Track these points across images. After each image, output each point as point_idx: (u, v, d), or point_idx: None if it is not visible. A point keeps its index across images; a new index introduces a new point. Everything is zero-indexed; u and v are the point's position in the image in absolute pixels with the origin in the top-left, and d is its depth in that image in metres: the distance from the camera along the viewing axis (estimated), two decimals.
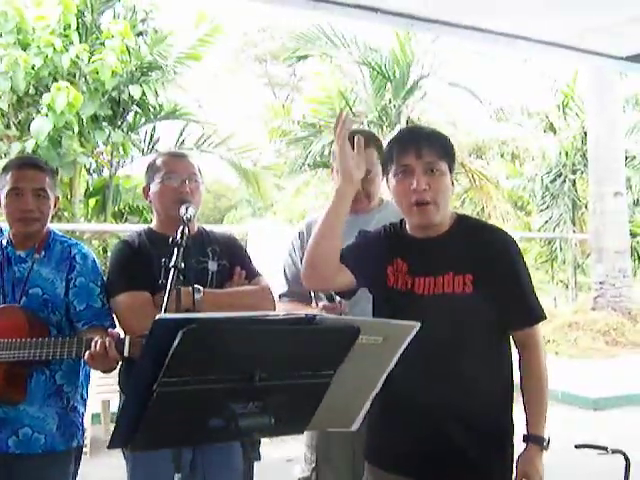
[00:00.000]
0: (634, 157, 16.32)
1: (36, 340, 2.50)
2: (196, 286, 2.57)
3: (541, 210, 17.18)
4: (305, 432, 2.67)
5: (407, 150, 2.34)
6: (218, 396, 1.59)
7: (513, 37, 5.21)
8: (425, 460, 2.31)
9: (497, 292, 2.30)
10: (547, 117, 17.56)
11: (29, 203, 2.70)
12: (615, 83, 13.71)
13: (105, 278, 2.81)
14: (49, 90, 9.95)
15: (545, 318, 2.40)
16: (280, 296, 3.14)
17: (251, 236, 8.77)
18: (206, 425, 1.61)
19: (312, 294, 3.04)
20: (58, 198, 2.89)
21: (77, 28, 10.72)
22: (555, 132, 17.26)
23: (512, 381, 2.40)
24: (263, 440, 1.65)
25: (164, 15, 12.12)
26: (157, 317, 1.51)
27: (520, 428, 2.37)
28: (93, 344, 2.42)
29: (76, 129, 10.29)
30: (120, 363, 2.54)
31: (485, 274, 2.30)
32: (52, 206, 2.80)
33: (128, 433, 1.61)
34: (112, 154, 11.93)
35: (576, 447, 3.03)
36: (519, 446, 2.37)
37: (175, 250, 2.30)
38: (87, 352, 2.43)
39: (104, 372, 2.59)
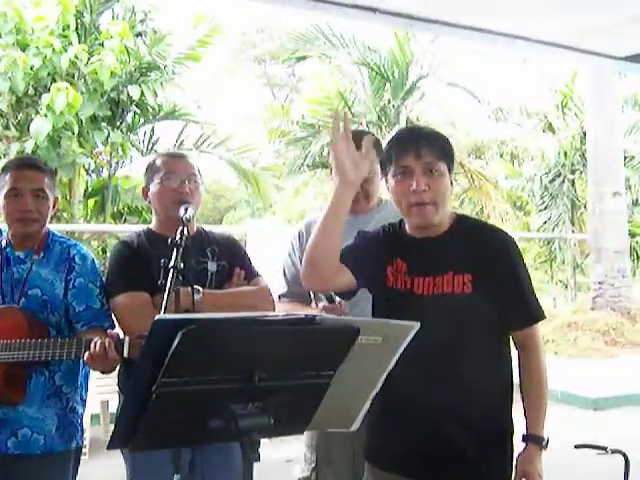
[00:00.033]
0: (633, 157, 16.32)
1: (35, 341, 2.50)
2: (195, 287, 2.56)
3: (540, 210, 17.19)
4: (305, 432, 2.66)
5: (406, 151, 2.34)
6: (218, 396, 1.59)
7: (513, 37, 5.22)
8: (424, 460, 2.32)
9: (497, 292, 2.30)
10: (546, 117, 17.56)
11: (28, 204, 2.70)
12: (614, 83, 13.70)
13: (104, 279, 2.81)
14: (48, 91, 9.96)
15: (544, 318, 2.40)
16: (280, 297, 3.14)
17: (250, 236, 8.78)
18: (206, 425, 1.60)
19: (312, 295, 3.04)
20: (57, 199, 2.89)
21: (76, 29, 10.72)
22: (554, 132, 17.27)
23: (512, 381, 2.40)
24: (263, 440, 1.65)
25: (163, 16, 12.12)
26: (156, 318, 1.51)
27: (520, 428, 2.37)
28: (92, 345, 2.42)
29: (75, 130, 10.29)
30: (119, 364, 2.54)
31: (485, 274, 2.30)
32: (51, 207, 2.79)
33: (128, 434, 1.61)
34: (111, 155, 11.93)
35: (576, 447, 3.02)
36: (519, 446, 2.37)
37: (174, 251, 2.29)
38: (86, 353, 2.43)
39: (103, 373, 2.59)
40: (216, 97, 23.19)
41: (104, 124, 11.17)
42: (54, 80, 10.27)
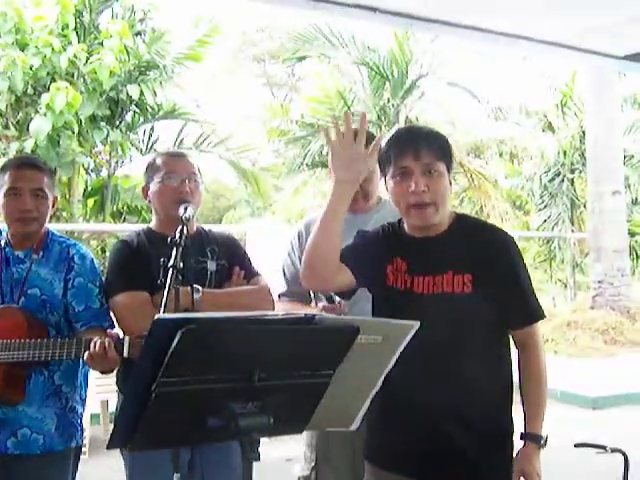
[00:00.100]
0: (632, 156, 16.31)
1: (35, 341, 2.49)
2: (195, 286, 2.56)
3: (539, 209, 17.17)
4: (305, 431, 2.66)
5: (405, 152, 2.33)
6: (217, 396, 1.59)
7: (513, 37, 5.23)
8: (424, 460, 2.32)
9: (496, 292, 2.30)
10: (545, 116, 17.55)
11: (27, 203, 2.70)
12: (614, 82, 13.70)
13: (104, 278, 2.81)
14: (47, 90, 9.96)
15: (544, 317, 2.41)
16: (279, 296, 3.14)
17: (250, 236, 8.77)
18: (205, 425, 1.60)
19: (312, 294, 3.04)
20: (56, 198, 2.89)
21: (75, 28, 10.72)
22: (554, 131, 17.26)
23: (512, 381, 2.40)
24: (262, 440, 1.65)
25: (162, 15, 12.12)
26: (156, 317, 1.51)
27: (520, 428, 2.37)
28: (92, 345, 2.42)
29: (75, 129, 10.29)
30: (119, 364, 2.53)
31: (484, 274, 2.30)
32: (50, 206, 2.79)
33: (127, 433, 1.61)
34: (110, 154, 11.93)
35: (575, 446, 3.03)
36: (518, 445, 2.37)
37: (174, 250, 2.29)
38: (86, 353, 2.43)
39: (103, 373, 2.58)
40: (215, 96, 23.20)
41: (103, 123, 11.17)
42: (53, 79, 10.27)
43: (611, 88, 13.64)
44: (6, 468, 2.65)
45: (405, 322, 1.84)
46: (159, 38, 11.52)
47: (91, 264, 2.79)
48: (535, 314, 2.39)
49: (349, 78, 16.27)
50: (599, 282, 13.55)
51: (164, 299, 2.17)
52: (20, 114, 10.89)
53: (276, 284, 3.15)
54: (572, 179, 16.61)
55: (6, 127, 10.75)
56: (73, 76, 10.58)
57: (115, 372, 2.67)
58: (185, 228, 2.40)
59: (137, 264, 2.71)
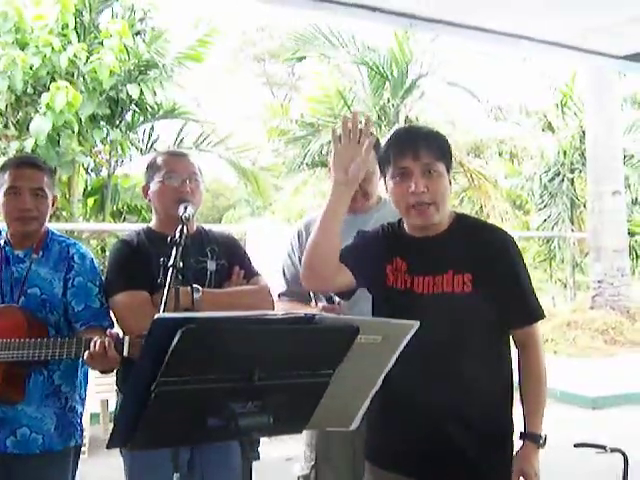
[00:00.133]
0: (632, 156, 16.30)
1: (35, 340, 2.49)
2: (195, 286, 2.56)
3: (539, 209, 17.17)
4: (304, 431, 2.67)
5: (404, 152, 2.33)
6: (217, 395, 1.59)
7: (514, 36, 5.23)
8: (424, 459, 2.32)
9: (496, 291, 2.30)
10: (545, 116, 17.55)
11: (27, 202, 2.70)
12: (614, 82, 13.70)
13: (103, 278, 2.81)
14: (47, 90, 9.96)
15: (544, 317, 2.41)
16: (279, 295, 3.14)
17: (250, 235, 8.77)
18: (205, 424, 1.60)
19: (312, 294, 3.04)
20: (56, 197, 2.88)
21: (75, 27, 10.73)
22: (553, 131, 17.26)
23: (512, 381, 2.40)
24: (262, 439, 1.65)
25: (162, 15, 12.12)
26: (156, 316, 1.51)
27: (520, 427, 2.37)
28: (92, 344, 2.42)
29: (75, 128, 10.29)
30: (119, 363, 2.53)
31: (484, 273, 2.30)
32: (50, 205, 2.79)
33: (127, 432, 1.61)
34: (110, 153, 11.93)
35: (575, 446, 3.03)
36: (519, 445, 2.37)
37: (174, 249, 2.29)
38: (86, 352, 2.42)
39: (103, 372, 2.58)
40: (215, 96, 23.21)
41: (103, 123, 11.18)
42: (53, 79, 10.27)
43: (611, 88, 13.64)
44: (5, 467, 2.65)
45: (405, 322, 1.84)
46: (159, 37, 11.52)
47: (91, 263, 2.79)
48: (535, 314, 2.39)
49: (349, 78, 16.27)
50: (599, 282, 13.55)
51: (164, 299, 2.17)
52: (20, 113, 10.89)
53: (276, 284, 3.15)
54: (572, 179, 16.61)
55: (6, 126, 10.75)
56: (73, 75, 10.58)
57: (115, 371, 2.67)
58: (185, 228, 2.40)
59: (137, 263, 2.71)
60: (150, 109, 11.80)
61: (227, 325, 1.58)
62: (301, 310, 2.70)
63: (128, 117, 11.87)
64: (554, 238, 16.56)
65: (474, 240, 2.37)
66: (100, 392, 6.07)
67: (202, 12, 12.09)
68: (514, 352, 2.41)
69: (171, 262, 2.25)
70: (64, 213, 11.40)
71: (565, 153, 16.55)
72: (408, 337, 1.83)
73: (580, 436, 3.50)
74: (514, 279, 2.36)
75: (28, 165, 2.78)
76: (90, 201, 12.36)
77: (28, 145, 10.01)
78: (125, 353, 2.41)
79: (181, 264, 2.26)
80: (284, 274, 3.18)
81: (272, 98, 26.65)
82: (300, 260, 3.05)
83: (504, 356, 2.40)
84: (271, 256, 3.66)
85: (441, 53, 14.55)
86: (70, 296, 2.71)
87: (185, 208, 2.57)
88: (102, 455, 5.69)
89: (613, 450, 2.87)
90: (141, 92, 11.00)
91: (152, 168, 2.85)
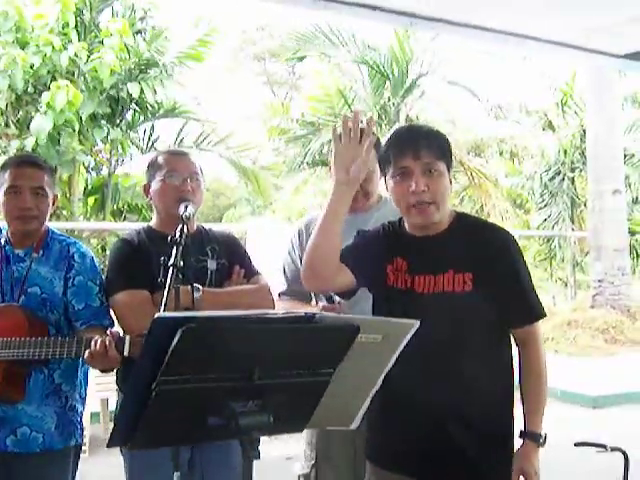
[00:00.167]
0: (633, 155, 16.31)
1: (36, 339, 2.49)
2: (195, 285, 2.55)
3: (540, 208, 17.18)
4: (305, 430, 2.67)
5: (405, 151, 2.33)
6: (218, 394, 1.59)
7: (515, 36, 5.23)
8: (425, 459, 2.32)
9: (497, 290, 2.30)
10: (546, 115, 17.56)
11: (27, 201, 2.70)
12: (614, 81, 13.70)
13: (104, 277, 2.81)
14: (48, 88, 9.95)
15: (545, 316, 2.40)
16: (280, 295, 3.14)
17: (250, 234, 8.77)
18: (206, 423, 1.60)
19: (312, 293, 3.04)
20: (57, 196, 2.88)
21: (76, 26, 10.72)
22: (554, 130, 17.26)
23: (513, 381, 2.40)
24: (262, 438, 1.65)
25: (163, 14, 12.13)
26: (156, 316, 1.51)
27: (521, 427, 2.37)
28: (93, 343, 2.41)
29: (76, 127, 10.29)
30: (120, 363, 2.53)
31: (485, 273, 2.30)
32: (50, 204, 2.79)
33: (127, 431, 1.61)
34: (111, 152, 11.93)
35: (575, 445, 3.03)
36: (519, 444, 2.37)
37: (174, 248, 2.29)
38: (87, 351, 2.42)
39: (103, 371, 2.58)
40: (216, 95, 23.19)
41: (104, 122, 11.17)
42: (54, 78, 10.26)
43: (611, 87, 13.64)
44: (6, 466, 2.65)
45: (405, 321, 1.84)
46: (159, 36, 11.52)
47: (91, 262, 2.79)
48: (536, 312, 2.39)
49: (349, 77, 16.26)
50: (599, 281, 13.55)
51: (164, 298, 2.17)
52: (21, 112, 10.89)
53: (276, 283, 3.15)
54: (572, 178, 16.61)
55: (6, 125, 10.75)
56: (74, 74, 10.58)
57: (115, 371, 2.67)
58: (185, 227, 2.40)
59: (137, 262, 2.71)
60: (150, 108, 11.80)
61: (227, 324, 1.58)
62: (301, 309, 2.70)
63: (128, 116, 11.87)
64: (554, 237, 16.57)
65: (475, 239, 2.37)
66: (100, 391, 6.08)
67: (202, 11, 12.09)
68: (515, 351, 2.41)
69: (171, 261, 2.24)
70: (64, 212, 11.40)
71: (565, 152, 16.55)
72: (408, 336, 1.83)
73: (581, 435, 3.50)
74: (515, 278, 2.36)
75: (28, 164, 2.78)
76: (90, 200, 12.36)
77: (29, 144, 10.01)
78: (126, 352, 2.41)
79: (181, 263, 2.25)
80: (284, 273, 3.18)
81: (272, 97, 26.65)
82: (301, 259, 3.05)
83: (505, 355, 2.40)
84: (271, 255, 3.66)
85: (441, 52, 14.55)
86: (70, 295, 2.71)
87: (186, 207, 2.57)
88: (102, 454, 5.69)
89: (614, 449, 2.86)
90: (141, 91, 10.99)
91: (153, 167, 2.84)
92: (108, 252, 8.62)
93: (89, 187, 12.38)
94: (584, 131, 15.19)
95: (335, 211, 2.32)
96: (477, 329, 2.31)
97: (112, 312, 2.75)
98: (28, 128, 10.31)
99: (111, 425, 5.70)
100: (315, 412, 1.76)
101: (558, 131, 17.07)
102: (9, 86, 10.06)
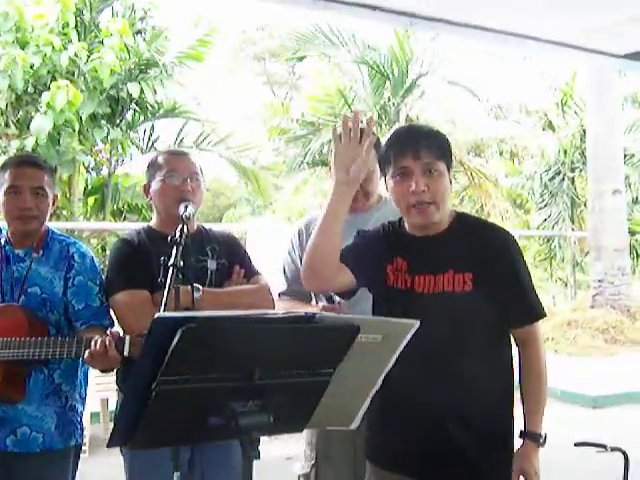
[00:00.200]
0: (633, 155, 16.31)
1: (36, 339, 2.49)
2: (195, 285, 2.55)
3: (540, 208, 17.18)
4: (305, 430, 2.66)
5: (405, 151, 2.33)
6: (218, 394, 1.59)
7: (515, 36, 5.23)
8: (425, 459, 2.32)
9: (497, 290, 2.30)
10: (546, 115, 17.56)
11: (27, 201, 2.70)
12: (614, 81, 13.70)
13: (104, 277, 2.81)
14: (48, 88, 9.95)
15: (545, 316, 2.40)
16: (280, 294, 3.14)
17: (250, 234, 8.78)
18: (206, 423, 1.60)
19: (312, 293, 3.04)
20: (56, 196, 2.88)
21: (76, 26, 10.72)
22: (554, 130, 17.26)
23: (513, 381, 2.40)
24: (262, 438, 1.65)
25: (163, 14, 12.12)
26: (156, 316, 1.51)
27: (521, 427, 2.37)
28: (93, 343, 2.41)
29: (76, 127, 10.29)
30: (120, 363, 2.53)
31: (485, 273, 2.30)
32: (51, 204, 2.79)
33: (127, 431, 1.61)
34: (111, 152, 11.93)
35: (575, 445, 3.03)
36: (519, 444, 2.37)
37: (174, 248, 2.29)
38: (87, 351, 2.42)
39: (103, 371, 2.58)
40: (216, 95, 23.18)
41: (104, 122, 11.17)
42: (54, 78, 10.26)
43: (611, 87, 13.64)
44: (6, 466, 2.65)
45: (405, 321, 1.84)
46: (159, 35, 11.52)
47: (91, 262, 2.79)
48: (536, 312, 2.39)
49: (349, 77, 16.26)
50: (599, 281, 13.55)
51: (164, 298, 2.17)
52: (21, 112, 10.89)
53: (276, 283, 3.15)
54: (572, 178, 16.62)
55: (6, 125, 10.75)
56: (74, 74, 10.58)
57: (115, 371, 2.67)
58: (185, 227, 2.40)
59: (137, 262, 2.71)
60: (150, 108, 11.80)
61: (227, 324, 1.58)
62: (301, 309, 2.70)
63: (128, 116, 11.87)
64: (554, 237, 16.58)
65: (475, 239, 2.37)
66: (100, 391, 6.08)
67: (202, 11, 12.09)
68: (515, 351, 2.41)
69: (171, 261, 2.25)
70: (64, 212, 11.40)
71: (565, 152, 16.55)
72: (408, 336, 1.83)
73: (581, 435, 3.51)
74: (515, 278, 2.36)
75: (28, 164, 2.78)
76: (90, 200, 12.37)
77: (29, 144, 10.01)
78: (126, 352, 2.41)
79: (181, 263, 2.25)
80: (284, 273, 3.18)
81: (272, 97, 26.64)
82: (301, 259, 3.05)
83: (505, 356, 2.40)
84: (271, 255, 3.66)
85: (441, 52, 14.55)
86: (70, 295, 2.71)
87: (186, 207, 2.57)
88: (102, 454, 5.69)
89: (614, 449, 2.86)
90: (141, 91, 10.99)
91: (153, 167, 2.84)
92: (108, 252, 8.61)
93: (89, 187, 12.38)
94: (584, 131, 15.19)
95: (335, 211, 2.32)
96: (477, 329, 2.31)
97: (112, 312, 2.75)
98: (28, 128, 10.31)
99: (111, 425, 5.70)
100: (315, 412, 1.76)
101: (558, 131, 17.07)
102: (9, 86, 10.06)
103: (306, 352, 1.67)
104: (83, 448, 3.10)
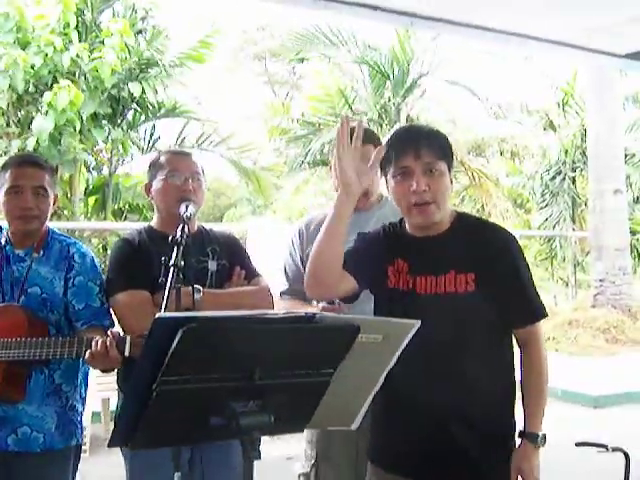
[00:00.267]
0: (634, 155, 16.31)
1: (36, 340, 2.49)
2: (196, 286, 2.55)
3: (541, 208, 17.17)
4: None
5: (405, 151, 2.33)
6: (218, 395, 1.59)
7: (515, 36, 5.23)
8: (426, 460, 2.31)
9: (498, 290, 2.30)
10: (547, 115, 17.54)
11: (29, 201, 2.70)
12: (615, 81, 13.70)
13: (104, 277, 2.81)
14: (49, 88, 9.96)
15: (547, 316, 2.40)
16: (281, 294, 3.14)
17: (251, 234, 8.78)
18: (206, 423, 1.60)
19: None
20: (57, 196, 2.88)
21: (77, 27, 10.71)
22: (555, 130, 17.25)
23: (514, 381, 2.40)
24: (263, 438, 1.65)
25: (164, 14, 12.13)
26: (157, 316, 1.51)
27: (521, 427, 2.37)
28: (94, 343, 2.41)
29: (77, 127, 10.29)
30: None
31: (487, 273, 2.30)
32: (51, 204, 2.79)
33: (128, 431, 1.61)
34: (112, 152, 11.94)
35: (576, 445, 3.03)
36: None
37: (175, 248, 2.29)
38: (88, 352, 2.42)
39: (104, 372, 2.58)
40: (216, 95, 23.17)
41: (105, 121, 11.18)
42: (55, 78, 10.27)
43: (612, 87, 13.64)
44: (6, 466, 2.65)
45: (405, 321, 1.84)
46: (159, 35, 11.52)
47: (91, 263, 2.79)
48: (537, 312, 2.38)
49: (350, 77, 16.27)
50: (600, 281, 13.55)
51: (165, 298, 2.16)
52: (22, 112, 10.89)
53: (277, 282, 3.15)
54: (573, 177, 16.61)
55: (8, 125, 10.76)
56: (75, 74, 10.58)
57: (116, 371, 2.68)
58: (186, 227, 2.40)
59: (138, 262, 2.71)
60: (151, 108, 11.80)
61: (228, 324, 1.58)
62: (302, 309, 2.70)
63: (129, 116, 11.87)
64: (555, 237, 16.57)
65: (476, 239, 2.37)
66: (101, 391, 6.07)
67: (203, 11, 12.11)
68: (516, 351, 2.41)
69: (172, 261, 2.25)
70: (65, 212, 11.40)
71: (566, 152, 16.55)
72: (409, 336, 1.83)
73: (581, 435, 3.50)
74: (516, 278, 2.35)
75: (29, 164, 2.78)
76: (91, 200, 12.37)
77: (30, 143, 10.02)
78: (126, 353, 2.41)
79: (182, 263, 2.25)
80: (285, 273, 3.18)
81: (273, 97, 26.64)
82: (301, 259, 3.06)
83: (506, 356, 2.40)
84: (272, 255, 3.67)
85: (442, 52, 14.55)
86: (71, 295, 2.71)
87: (187, 207, 2.57)
88: (103, 454, 5.69)
89: (615, 449, 2.86)
90: (143, 91, 11.00)
91: (155, 166, 2.85)
92: (109, 252, 8.63)
93: (90, 187, 12.39)
94: (585, 131, 15.18)
95: (339, 217, 2.31)
96: (479, 329, 2.31)
97: (112, 312, 2.76)
98: (29, 128, 10.32)
99: (112, 425, 5.70)
100: (316, 412, 1.76)
101: (559, 131, 17.07)
102: (10, 86, 10.06)
103: (306, 352, 1.67)
104: (84, 448, 3.11)
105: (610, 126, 13.53)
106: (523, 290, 2.37)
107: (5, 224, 2.81)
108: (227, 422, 1.59)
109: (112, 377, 2.82)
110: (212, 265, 2.78)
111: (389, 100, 14.51)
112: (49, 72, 10.31)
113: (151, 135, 12.40)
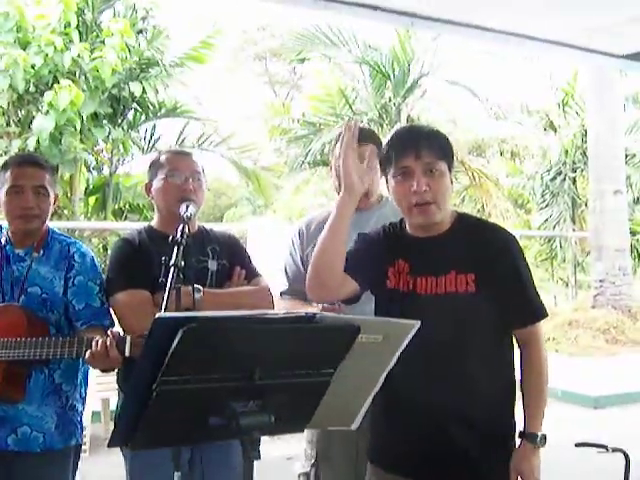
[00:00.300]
0: (634, 155, 16.30)
1: (36, 340, 2.49)
2: (196, 286, 2.55)
3: (541, 208, 17.17)
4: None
5: (406, 151, 2.33)
6: (218, 395, 1.59)
7: (516, 36, 5.23)
8: (426, 460, 2.31)
9: (499, 291, 2.30)
10: (547, 115, 17.54)
11: (29, 200, 2.70)
12: (615, 81, 13.70)
13: (104, 276, 2.81)
14: (50, 88, 9.96)
15: (547, 316, 2.40)
16: (281, 294, 3.14)
17: (251, 234, 8.78)
18: (206, 424, 1.61)
19: None
20: (57, 196, 2.88)
21: (77, 26, 10.71)
22: (555, 130, 17.25)
23: (514, 382, 2.40)
24: (263, 438, 1.65)
25: (164, 13, 12.13)
26: (157, 316, 1.51)
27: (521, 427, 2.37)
28: (94, 343, 2.41)
29: (78, 126, 10.29)
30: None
31: (487, 273, 2.30)
32: (52, 203, 2.79)
33: (128, 431, 1.61)
34: (112, 152, 11.94)
35: (576, 445, 3.03)
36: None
37: (175, 248, 2.29)
38: (88, 351, 2.42)
39: (104, 371, 2.58)
40: (217, 95, 23.18)
41: (105, 121, 11.18)
42: (56, 78, 10.27)
43: (612, 87, 13.64)
44: (6, 465, 2.65)
45: (406, 321, 1.84)
46: (159, 34, 11.53)
47: (91, 262, 2.79)
48: (538, 313, 2.38)
49: (351, 77, 16.28)
50: (600, 281, 13.55)
51: (165, 298, 2.16)
52: (22, 112, 10.89)
53: (277, 282, 3.15)
54: (573, 178, 16.61)
55: (8, 124, 10.76)
56: (75, 74, 10.58)
57: (116, 371, 2.67)
58: (186, 227, 2.40)
59: (138, 262, 2.71)
60: (152, 108, 11.81)
61: (228, 324, 1.58)
62: (302, 309, 2.70)
63: (130, 116, 11.88)
64: (555, 237, 16.57)
65: (476, 240, 2.37)
66: (101, 391, 6.07)
67: (203, 11, 12.12)
68: (516, 351, 2.41)
69: (172, 261, 2.25)
70: (66, 211, 11.40)
71: (567, 152, 16.55)
72: (409, 337, 1.83)
73: (581, 435, 3.50)
74: (516, 278, 2.35)
75: (30, 163, 2.78)
76: (92, 199, 12.37)
77: (30, 143, 10.03)
78: (127, 353, 2.41)
79: (182, 263, 2.25)
80: (286, 272, 3.18)
81: (274, 97, 26.65)
82: (301, 259, 3.06)
83: (506, 356, 2.40)
84: (272, 254, 3.67)
85: (442, 52, 14.56)
86: (71, 295, 2.71)
87: (187, 207, 2.57)
88: (103, 453, 5.69)
89: (614, 450, 2.86)
90: (143, 90, 11.00)
91: (155, 166, 2.85)
92: (109, 252, 8.63)
93: (90, 187, 12.39)
94: (585, 131, 15.18)
95: (341, 219, 2.32)
96: (479, 330, 2.31)
97: (112, 312, 2.76)
98: (30, 127, 10.32)
99: (112, 425, 5.71)
100: (316, 412, 1.76)
101: (559, 131, 17.06)
102: (10, 86, 10.06)
103: (307, 352, 1.67)
104: (84, 447, 3.11)
105: (610, 126, 13.53)
106: (523, 290, 2.37)
107: (5, 223, 2.81)
108: (227, 422, 1.59)
109: (112, 377, 2.82)
110: (212, 265, 2.78)
111: (390, 100, 14.52)
112: (49, 72, 10.31)
113: (151, 135, 12.41)
